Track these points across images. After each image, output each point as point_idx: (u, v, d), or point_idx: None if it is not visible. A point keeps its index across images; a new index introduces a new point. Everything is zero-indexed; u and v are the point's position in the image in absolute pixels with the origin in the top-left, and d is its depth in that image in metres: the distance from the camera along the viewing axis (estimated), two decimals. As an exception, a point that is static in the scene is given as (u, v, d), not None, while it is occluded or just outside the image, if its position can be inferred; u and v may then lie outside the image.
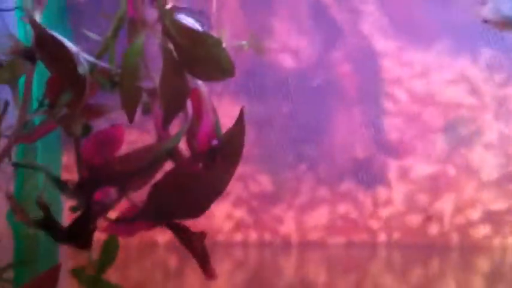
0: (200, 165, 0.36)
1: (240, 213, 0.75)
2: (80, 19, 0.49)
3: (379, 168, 0.76)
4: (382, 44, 0.74)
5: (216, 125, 0.36)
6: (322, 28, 0.74)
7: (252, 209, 0.75)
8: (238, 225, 0.75)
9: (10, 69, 0.35)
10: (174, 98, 0.34)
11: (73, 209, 0.36)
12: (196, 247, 0.38)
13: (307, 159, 0.75)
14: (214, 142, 0.35)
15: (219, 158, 0.36)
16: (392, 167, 0.75)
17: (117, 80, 0.35)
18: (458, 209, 0.74)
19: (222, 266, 0.74)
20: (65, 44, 0.33)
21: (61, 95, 0.34)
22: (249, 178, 0.74)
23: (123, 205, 0.37)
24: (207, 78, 0.35)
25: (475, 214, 0.74)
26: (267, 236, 0.76)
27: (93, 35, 0.36)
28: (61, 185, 0.36)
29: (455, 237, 0.74)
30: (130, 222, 0.37)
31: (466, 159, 0.74)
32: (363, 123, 0.75)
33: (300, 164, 0.75)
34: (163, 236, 0.72)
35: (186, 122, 0.35)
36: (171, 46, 0.34)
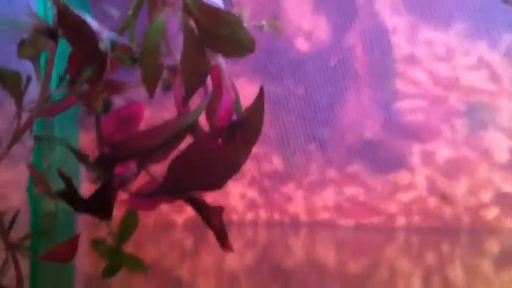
0: (219, 141, 0.37)
1: (252, 193, 0.76)
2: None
3: (391, 151, 0.76)
4: (396, 22, 0.74)
5: (236, 101, 0.36)
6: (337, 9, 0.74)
7: (264, 188, 0.76)
8: (250, 205, 0.76)
9: (32, 45, 0.36)
10: (195, 74, 0.35)
11: (92, 182, 0.36)
12: (214, 222, 0.38)
13: (318, 140, 0.75)
14: (234, 118, 0.35)
15: (238, 134, 0.36)
16: (411, 149, 0.76)
17: (137, 57, 0.36)
18: (471, 192, 0.75)
19: (235, 245, 0.75)
20: (87, 21, 0.34)
21: (82, 71, 0.35)
22: (263, 159, 0.75)
23: (143, 179, 0.38)
24: (228, 54, 0.36)
25: (486, 196, 0.74)
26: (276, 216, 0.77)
27: (113, 12, 0.36)
28: (82, 157, 0.36)
29: (466, 219, 0.75)
30: (150, 196, 0.38)
31: (481, 142, 0.74)
32: (376, 104, 0.76)
33: (310, 144, 0.76)
34: (180, 216, 0.73)
35: (206, 97, 0.36)
36: (192, 24, 0.35)
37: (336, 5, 0.75)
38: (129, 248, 0.39)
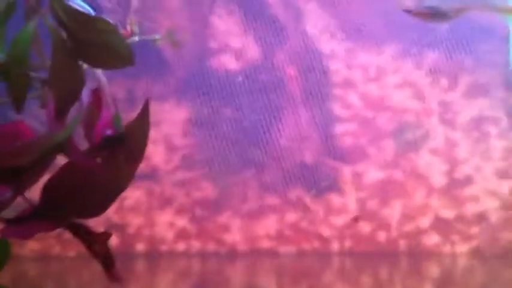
0: (99, 160, 0.34)
1: (182, 222, 0.72)
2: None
3: (327, 174, 0.74)
4: (331, 45, 0.72)
5: (116, 117, 0.34)
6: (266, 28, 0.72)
7: (195, 217, 0.73)
8: (181, 235, 0.73)
9: None
10: (67, 88, 0.32)
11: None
12: (99, 249, 0.35)
13: (252, 164, 0.73)
14: (109, 132, 0.32)
15: (120, 152, 0.33)
16: (343, 172, 0.73)
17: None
18: (407, 216, 0.72)
19: (166, 277, 0.72)
20: None
21: None
22: (192, 184, 0.72)
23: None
24: (104, 66, 0.33)
25: (424, 221, 0.72)
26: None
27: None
28: None
29: (403, 244, 0.73)
30: (22, 222, 0.34)
31: (413, 164, 0.72)
32: (312, 126, 0.73)
33: (245, 169, 0.73)
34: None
35: (80, 112, 0.33)
36: (63, 33, 0.32)
37: (265, 24, 0.73)
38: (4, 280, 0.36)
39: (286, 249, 0.75)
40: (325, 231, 0.74)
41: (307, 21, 0.73)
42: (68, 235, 0.35)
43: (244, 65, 0.72)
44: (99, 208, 0.34)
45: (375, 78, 0.73)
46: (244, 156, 0.73)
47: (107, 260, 0.36)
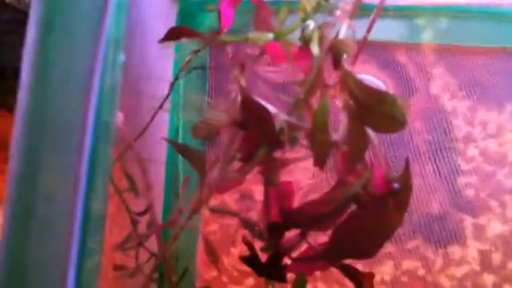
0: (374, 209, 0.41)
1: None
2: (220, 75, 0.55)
3: (450, 225, 0.80)
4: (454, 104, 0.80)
5: (390, 173, 0.41)
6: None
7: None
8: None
9: (207, 128, 0.41)
10: (357, 148, 0.40)
11: (264, 249, 0.40)
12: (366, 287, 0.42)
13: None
14: (396, 186, 0.40)
15: (391, 202, 0.41)
16: (468, 224, 0.80)
17: (297, 138, 0.41)
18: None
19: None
20: (266, 106, 0.39)
21: (255, 150, 0.40)
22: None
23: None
24: (384, 131, 0.41)
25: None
26: None
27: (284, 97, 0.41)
28: (252, 228, 0.41)
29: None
30: (310, 261, 0.42)
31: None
32: (439, 179, 0.80)
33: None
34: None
35: (367, 169, 0.40)
36: (352, 104, 0.40)
37: (396, 83, 0.81)
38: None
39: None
40: (445, 282, 0.80)
41: (434, 81, 0.81)
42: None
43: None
44: (372, 250, 0.41)
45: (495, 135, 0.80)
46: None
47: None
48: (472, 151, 0.81)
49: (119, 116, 0.30)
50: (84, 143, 0.26)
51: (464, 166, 0.81)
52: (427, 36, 0.81)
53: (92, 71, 0.27)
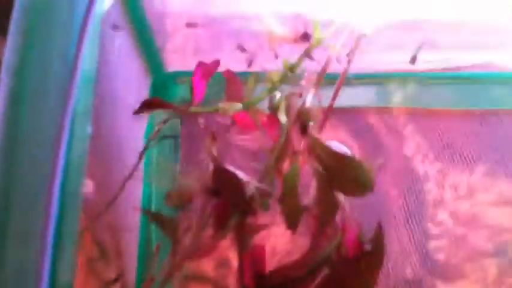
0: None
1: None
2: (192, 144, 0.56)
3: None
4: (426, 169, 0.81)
5: (360, 234, 0.42)
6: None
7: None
8: None
9: (180, 197, 0.41)
10: (326, 211, 0.41)
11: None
12: None
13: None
14: (367, 247, 0.40)
15: (363, 263, 0.41)
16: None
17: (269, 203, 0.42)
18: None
19: None
20: (237, 174, 0.40)
21: (227, 218, 0.40)
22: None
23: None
24: (350, 194, 0.41)
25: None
26: None
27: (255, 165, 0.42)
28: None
29: None
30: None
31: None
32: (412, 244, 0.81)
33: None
34: None
35: (338, 232, 0.41)
36: (320, 168, 0.41)
37: (370, 145, 0.82)
38: None
39: None
40: None
41: (406, 144, 0.82)
42: None
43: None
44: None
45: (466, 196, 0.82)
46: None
47: None
48: (442, 215, 0.82)
49: (89, 185, 0.31)
50: (51, 212, 0.27)
51: (434, 230, 0.82)
52: (397, 100, 0.83)
53: (59, 142, 0.27)
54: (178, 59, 0.74)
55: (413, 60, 0.67)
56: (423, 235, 0.82)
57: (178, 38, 0.77)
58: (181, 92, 0.66)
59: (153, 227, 0.47)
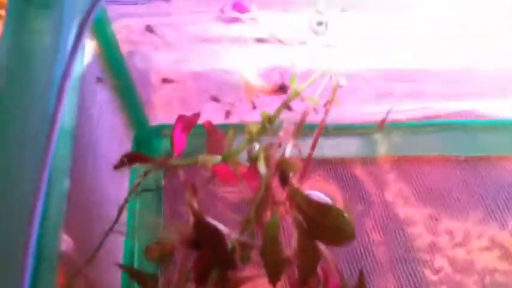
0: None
1: None
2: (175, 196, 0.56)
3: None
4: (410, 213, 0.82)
5: (345, 284, 0.42)
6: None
7: None
8: None
9: (160, 251, 0.41)
10: (308, 262, 0.41)
11: None
12: None
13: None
14: (352, 297, 0.40)
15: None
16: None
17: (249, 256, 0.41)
18: None
19: None
20: (218, 227, 0.40)
21: (208, 271, 0.40)
22: None
23: None
24: (332, 243, 0.41)
25: None
26: None
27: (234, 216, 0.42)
28: None
29: None
30: None
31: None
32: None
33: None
34: None
35: (319, 282, 0.41)
36: (301, 218, 0.41)
37: (353, 195, 0.82)
38: None
39: None
40: None
41: (389, 191, 0.83)
42: None
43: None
44: None
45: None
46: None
47: None
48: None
49: (67, 241, 0.30)
50: (26, 269, 0.26)
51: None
52: (382, 149, 0.84)
53: (36, 197, 0.27)
54: (164, 111, 0.75)
55: (381, 124, 0.68)
56: (413, 282, 0.82)
57: (164, 91, 0.78)
58: (165, 144, 0.66)
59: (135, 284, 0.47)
